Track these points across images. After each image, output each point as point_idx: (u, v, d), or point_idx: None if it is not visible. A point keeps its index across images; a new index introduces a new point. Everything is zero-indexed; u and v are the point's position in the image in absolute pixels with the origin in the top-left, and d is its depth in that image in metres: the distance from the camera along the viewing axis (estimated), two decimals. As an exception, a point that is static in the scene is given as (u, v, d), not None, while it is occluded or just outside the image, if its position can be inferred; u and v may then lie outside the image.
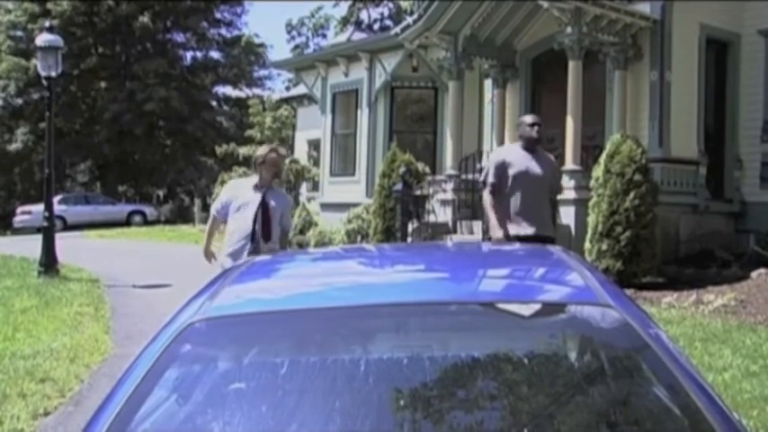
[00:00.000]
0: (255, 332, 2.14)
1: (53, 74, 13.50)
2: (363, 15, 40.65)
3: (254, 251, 5.74)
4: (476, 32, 13.79)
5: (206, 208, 31.77)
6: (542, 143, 6.86)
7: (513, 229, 6.37)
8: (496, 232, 6.43)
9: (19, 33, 36.63)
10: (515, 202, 6.44)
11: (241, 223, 5.91)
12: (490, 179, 6.51)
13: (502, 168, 6.49)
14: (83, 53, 36.41)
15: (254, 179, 6.12)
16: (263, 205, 5.94)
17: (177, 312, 2.22)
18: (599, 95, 12.77)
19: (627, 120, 12.17)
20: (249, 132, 24.29)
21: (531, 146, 6.58)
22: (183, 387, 1.95)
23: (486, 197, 6.55)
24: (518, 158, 6.53)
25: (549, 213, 6.64)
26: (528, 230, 6.34)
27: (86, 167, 41.66)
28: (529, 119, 6.76)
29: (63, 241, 15.89)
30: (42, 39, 13.62)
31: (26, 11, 36.12)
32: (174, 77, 37.65)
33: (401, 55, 16.66)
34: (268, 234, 5.92)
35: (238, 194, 6.04)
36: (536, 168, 6.50)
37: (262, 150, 6.20)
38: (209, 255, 6.23)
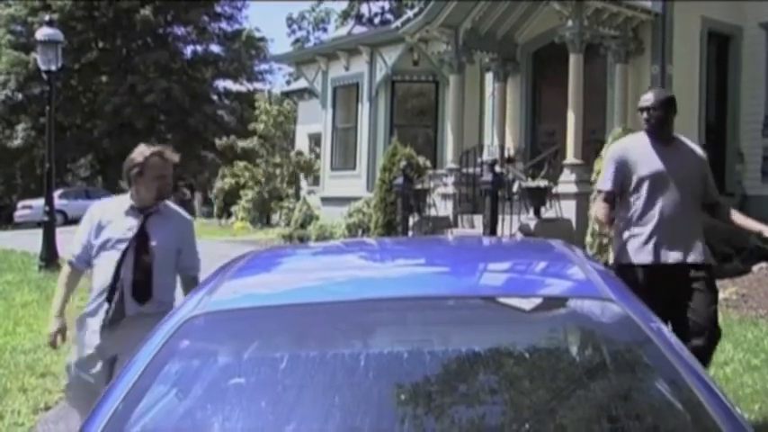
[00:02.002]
0: (254, 327, 2.13)
1: (53, 68, 13.49)
2: (364, 9, 40.64)
3: (116, 316, 3.55)
4: (476, 26, 13.76)
5: (207, 202, 31.79)
6: (670, 128, 4.63)
7: (640, 257, 4.30)
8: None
9: (19, 28, 36.54)
10: (643, 214, 4.37)
11: (103, 270, 3.67)
12: (605, 185, 4.46)
13: (623, 168, 4.41)
14: (83, 47, 36.34)
15: (128, 199, 3.80)
16: (139, 241, 3.67)
17: (176, 307, 2.21)
18: (600, 89, 12.74)
19: (628, 113, 12.12)
20: (253, 125, 24.23)
21: (658, 135, 4.51)
22: (181, 382, 1.95)
23: (599, 208, 4.54)
24: (645, 153, 4.46)
25: (697, 229, 4.60)
26: (666, 257, 4.35)
27: (87, 162, 41.63)
28: (643, 99, 4.57)
29: (64, 236, 15.83)
30: (42, 33, 13.60)
31: (26, 5, 36.04)
32: (174, 71, 37.61)
33: (402, 49, 16.63)
34: (144, 289, 3.61)
35: (104, 224, 3.73)
36: (672, 165, 4.46)
37: (138, 154, 3.81)
38: (56, 333, 3.71)
